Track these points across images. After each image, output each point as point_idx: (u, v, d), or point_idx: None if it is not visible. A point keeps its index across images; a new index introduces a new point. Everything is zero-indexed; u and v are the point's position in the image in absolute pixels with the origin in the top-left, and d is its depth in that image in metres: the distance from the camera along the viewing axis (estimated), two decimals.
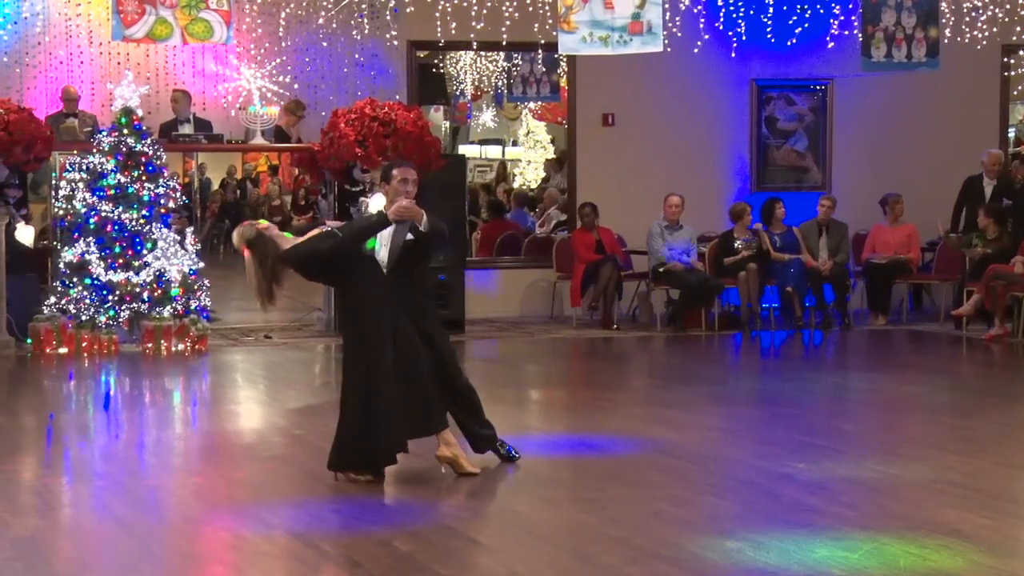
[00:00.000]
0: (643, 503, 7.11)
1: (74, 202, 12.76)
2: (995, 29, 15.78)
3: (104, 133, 12.95)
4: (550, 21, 14.62)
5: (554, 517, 6.89)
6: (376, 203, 13.53)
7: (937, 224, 14.80)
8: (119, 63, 14.33)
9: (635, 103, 15.60)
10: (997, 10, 15.72)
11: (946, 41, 15.25)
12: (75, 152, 13.32)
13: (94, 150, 12.85)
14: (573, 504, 7.16)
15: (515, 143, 23.86)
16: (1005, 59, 16.47)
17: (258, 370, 12.17)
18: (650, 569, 5.85)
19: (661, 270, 14.55)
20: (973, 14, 15.75)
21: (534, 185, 22.27)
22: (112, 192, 12.73)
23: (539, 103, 21.43)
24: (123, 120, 12.84)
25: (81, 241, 12.68)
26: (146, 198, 12.78)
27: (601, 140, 15.66)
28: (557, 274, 15.32)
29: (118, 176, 12.74)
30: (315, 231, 7.72)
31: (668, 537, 6.39)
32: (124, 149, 12.79)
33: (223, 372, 12.02)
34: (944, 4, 15.27)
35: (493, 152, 24.47)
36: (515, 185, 22.39)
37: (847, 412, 10.35)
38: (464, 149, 22.59)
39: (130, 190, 12.76)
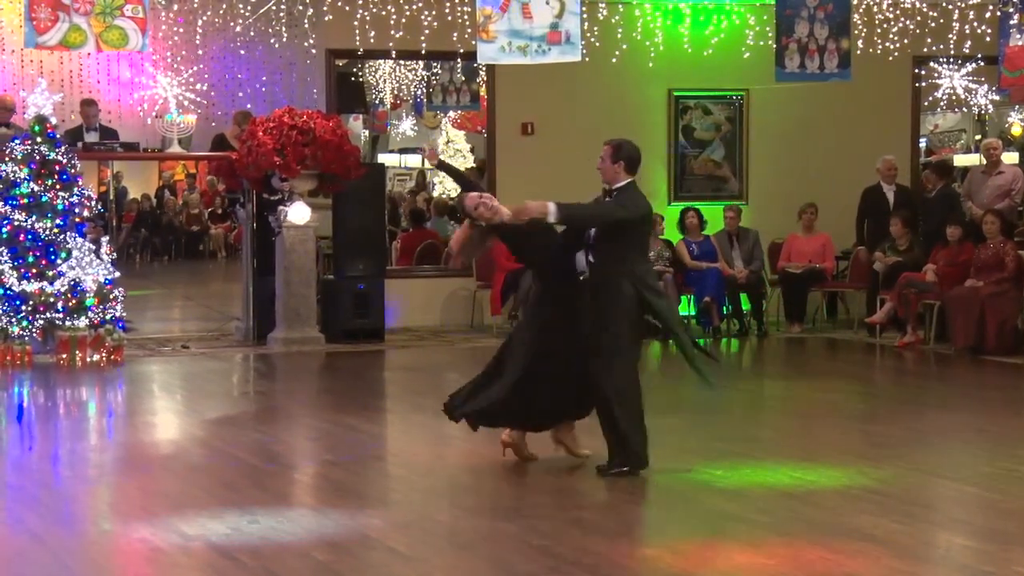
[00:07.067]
0: (563, 511, 7.14)
1: None
2: (906, 41, 16.03)
3: (17, 141, 12.77)
4: (469, 30, 14.63)
5: (474, 526, 6.90)
6: (295, 212, 13.54)
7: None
8: (32, 71, 14.15)
9: (554, 112, 15.65)
10: (908, 22, 15.97)
11: (858, 52, 15.45)
12: None
13: (6, 158, 12.67)
14: (493, 513, 7.17)
15: None
16: (916, 70, 16.74)
17: (175, 380, 12.06)
18: None
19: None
20: (884, 26, 16.00)
21: (454, 194, 22.27)
22: (25, 201, 12.55)
23: (458, 112, 21.45)
24: (36, 128, 12.66)
25: None
26: (60, 207, 12.62)
27: (520, 149, 15.70)
28: (477, 283, 15.33)
29: (31, 185, 12.56)
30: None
31: (588, 545, 6.42)
32: (38, 157, 12.62)
33: (139, 383, 11.89)
34: (856, 16, 15.49)
35: (413, 161, 24.44)
36: (435, 194, 22.40)
37: (763, 419, 10.46)
38: (384, 158, 22.53)
39: (44, 199, 12.58)
